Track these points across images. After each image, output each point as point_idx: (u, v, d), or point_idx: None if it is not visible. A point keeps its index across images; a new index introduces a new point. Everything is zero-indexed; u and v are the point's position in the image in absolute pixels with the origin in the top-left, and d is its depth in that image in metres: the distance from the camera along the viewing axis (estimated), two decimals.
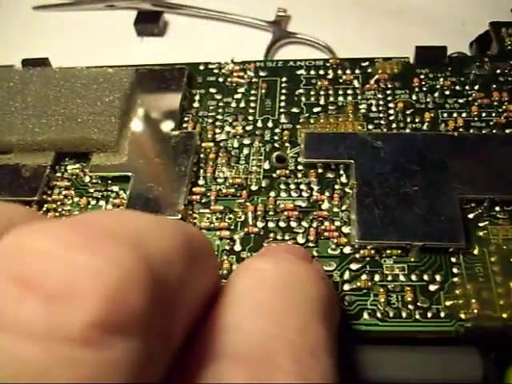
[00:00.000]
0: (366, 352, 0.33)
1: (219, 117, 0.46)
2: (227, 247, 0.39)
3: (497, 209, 0.39)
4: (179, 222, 0.30)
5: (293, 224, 0.39)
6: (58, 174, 0.44)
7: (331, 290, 0.30)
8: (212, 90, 0.48)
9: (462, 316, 0.35)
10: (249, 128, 0.45)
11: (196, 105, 0.47)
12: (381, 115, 0.44)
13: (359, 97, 0.46)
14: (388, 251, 0.37)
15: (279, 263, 0.28)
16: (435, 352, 0.33)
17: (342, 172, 0.41)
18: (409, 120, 0.44)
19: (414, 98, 0.45)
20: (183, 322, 0.20)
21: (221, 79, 0.48)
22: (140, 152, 0.43)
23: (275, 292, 0.25)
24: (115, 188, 0.43)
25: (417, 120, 0.44)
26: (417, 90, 0.46)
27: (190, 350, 0.21)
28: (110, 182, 0.43)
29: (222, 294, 0.25)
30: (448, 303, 0.35)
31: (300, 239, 0.39)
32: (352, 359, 0.33)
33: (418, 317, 0.35)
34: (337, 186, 0.41)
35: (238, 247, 0.39)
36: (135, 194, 0.41)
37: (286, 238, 0.39)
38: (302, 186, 0.41)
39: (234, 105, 0.46)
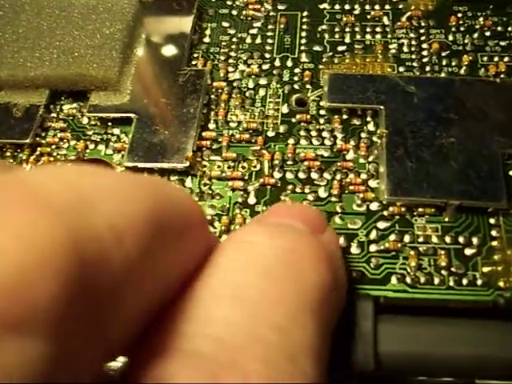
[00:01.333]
0: (394, 322, 0.28)
1: (232, 54, 0.39)
2: (240, 199, 0.33)
3: None
4: (156, 183, 0.23)
5: (314, 175, 0.34)
6: (53, 115, 0.38)
7: (336, 272, 0.24)
8: (225, 24, 0.41)
9: (501, 284, 0.30)
10: (265, 67, 0.38)
11: (207, 40, 0.40)
12: (413, 57, 0.38)
13: (389, 35, 0.39)
14: (420, 209, 0.32)
15: (276, 236, 0.22)
16: (469, 326, 0.28)
17: (369, 119, 0.35)
18: (444, 63, 0.37)
19: (450, 38, 0.39)
20: (134, 311, 0.17)
21: (234, 12, 0.42)
22: (144, 91, 0.37)
23: (261, 275, 0.20)
24: (116, 131, 0.37)
25: (453, 63, 0.37)
26: (454, 29, 0.39)
27: (149, 342, 0.17)
28: (110, 124, 0.37)
29: (201, 272, 0.20)
30: (485, 270, 0.30)
31: (322, 193, 0.33)
32: (377, 329, 0.28)
33: (451, 284, 0.30)
34: (363, 135, 0.35)
35: (252, 200, 0.33)
36: (138, 138, 0.35)
37: (306, 191, 0.33)
38: (325, 134, 0.35)
39: (249, 41, 0.40)
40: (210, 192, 0.34)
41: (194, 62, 0.39)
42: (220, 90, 0.37)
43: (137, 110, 0.36)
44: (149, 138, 0.35)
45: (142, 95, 0.37)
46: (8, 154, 0.37)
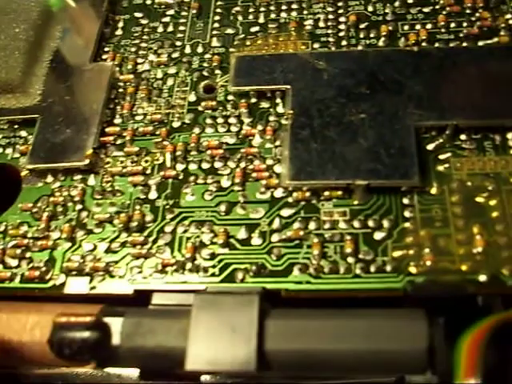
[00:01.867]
0: (293, 318, 0.26)
1: (143, 44, 0.37)
2: (141, 195, 0.31)
3: (462, 137, 0.30)
4: None
5: (217, 164, 0.31)
6: None
7: None
8: (138, 15, 0.39)
9: (413, 270, 0.27)
10: (175, 55, 0.36)
11: (119, 32, 0.38)
12: (329, 31, 0.35)
13: (305, 11, 0.36)
14: (326, 193, 0.29)
15: None
16: (373, 317, 0.25)
17: (278, 100, 0.33)
18: (362, 35, 0.34)
19: (369, 9, 0.36)
20: None
21: (148, 1, 0.39)
22: (53, 91, 0.35)
23: None
24: (23, 133, 0.35)
25: (372, 35, 0.34)
26: None
27: None
28: (17, 126, 0.35)
29: None
30: (396, 254, 0.27)
31: (224, 182, 0.31)
32: (276, 326, 0.25)
33: (358, 271, 0.27)
34: (272, 118, 0.32)
35: (153, 194, 0.31)
36: (41, 139, 0.33)
37: (209, 181, 0.31)
38: (231, 120, 0.33)
39: (160, 30, 0.38)
40: (111, 189, 0.32)
41: (104, 57, 0.37)
42: (128, 83, 0.35)
43: (42, 110, 0.34)
44: (51, 138, 0.33)
45: (51, 95, 0.35)
46: None
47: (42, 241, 0.31)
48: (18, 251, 0.31)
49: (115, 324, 0.26)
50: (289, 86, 0.32)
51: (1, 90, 0.35)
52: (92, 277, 0.29)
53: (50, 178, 0.33)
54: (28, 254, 0.31)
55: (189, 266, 0.28)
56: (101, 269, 0.29)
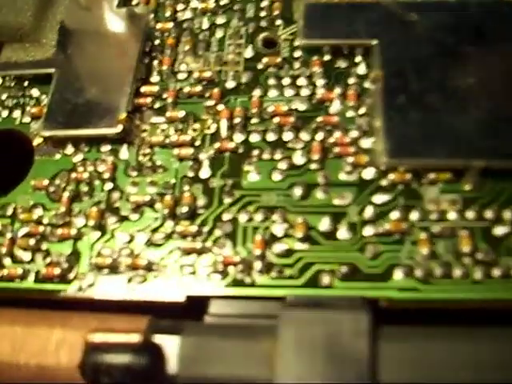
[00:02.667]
0: (411, 340, 0.19)
1: None
2: (190, 173, 0.24)
3: None
4: None
5: (287, 136, 0.24)
6: None
7: None
8: None
9: None
10: (224, 2, 0.28)
11: None
12: None
13: None
14: (432, 176, 0.22)
15: None
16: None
17: (358, 59, 0.25)
18: None
19: None
20: None
21: None
22: (71, 41, 0.27)
23: None
24: (35, 92, 0.27)
25: None
26: None
27: None
28: (27, 83, 0.28)
29: None
30: None
31: (297, 159, 0.23)
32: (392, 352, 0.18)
33: (478, 277, 0.20)
34: (351, 80, 0.25)
35: (205, 172, 0.24)
36: (58, 99, 0.26)
37: (277, 157, 0.24)
38: (301, 81, 0.25)
39: None
40: (151, 164, 0.24)
41: (134, 1, 0.29)
42: (166, 34, 0.28)
43: (59, 64, 0.27)
44: (72, 98, 0.25)
45: (69, 46, 0.27)
46: None
47: (62, 228, 0.23)
48: (32, 241, 0.23)
49: (170, 345, 0.19)
50: (375, 42, 0.25)
51: (8, 37, 0.27)
52: (130, 277, 0.22)
53: (69, 149, 0.25)
54: (44, 246, 0.23)
55: (258, 265, 0.21)
56: (141, 267, 0.22)
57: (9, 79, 0.28)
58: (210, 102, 0.25)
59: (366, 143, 0.23)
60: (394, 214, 0.22)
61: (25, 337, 0.20)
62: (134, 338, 0.19)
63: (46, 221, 0.24)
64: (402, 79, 0.24)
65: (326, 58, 0.26)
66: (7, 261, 0.23)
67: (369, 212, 0.22)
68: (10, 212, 0.24)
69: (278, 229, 0.22)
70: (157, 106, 0.25)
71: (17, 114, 0.27)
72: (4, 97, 0.27)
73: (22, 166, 0.26)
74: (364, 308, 0.19)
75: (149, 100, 0.25)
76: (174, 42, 0.27)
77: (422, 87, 0.23)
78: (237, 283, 0.21)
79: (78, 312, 0.21)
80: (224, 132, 0.24)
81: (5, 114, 0.27)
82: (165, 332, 0.19)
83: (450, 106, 0.23)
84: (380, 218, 0.22)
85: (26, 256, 0.23)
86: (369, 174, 0.23)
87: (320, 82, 0.25)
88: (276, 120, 0.24)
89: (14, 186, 0.25)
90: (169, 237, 0.22)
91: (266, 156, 0.24)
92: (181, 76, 0.26)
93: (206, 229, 0.22)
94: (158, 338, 0.19)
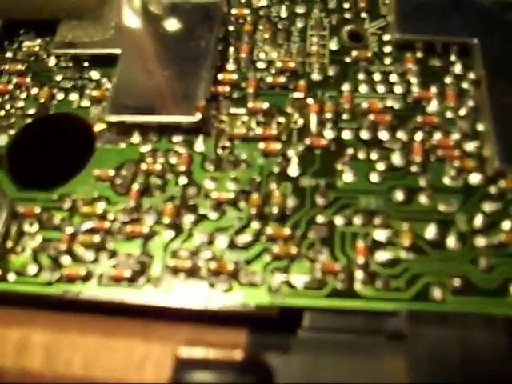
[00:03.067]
0: None
1: None
2: (276, 169, 0.22)
3: None
4: None
5: (383, 135, 0.22)
6: (8, 54, 0.26)
7: None
8: None
9: None
10: None
11: None
12: None
13: None
14: None
15: None
16: None
17: (453, 58, 0.24)
18: None
19: None
20: None
21: None
22: (134, 21, 0.25)
23: None
24: (95, 75, 0.25)
25: None
26: None
27: None
28: (86, 64, 0.25)
29: None
30: None
31: (396, 160, 0.21)
32: None
33: None
34: (448, 80, 0.23)
35: (294, 170, 0.22)
36: (125, 82, 0.23)
37: (374, 157, 0.21)
38: (393, 77, 0.23)
39: None
40: (232, 159, 0.22)
41: None
42: (242, 20, 0.25)
43: (124, 45, 0.24)
44: (141, 81, 0.23)
45: (132, 26, 0.25)
46: None
47: (131, 225, 0.21)
48: (96, 238, 0.20)
49: (277, 363, 0.16)
50: (476, 41, 0.23)
51: (68, 14, 0.25)
52: (212, 284, 0.19)
53: (136, 138, 0.23)
54: (111, 245, 0.21)
55: (359, 275, 0.19)
56: (225, 272, 0.19)
57: (64, 59, 0.25)
58: (298, 95, 0.23)
59: (469, 147, 0.21)
60: (506, 224, 0.20)
61: (100, 349, 0.17)
62: (237, 355, 0.16)
63: (111, 216, 0.21)
64: (509, 81, 0.22)
65: (419, 55, 0.24)
66: (66, 259, 0.21)
67: (478, 221, 0.20)
68: (67, 204, 0.22)
69: (381, 235, 0.20)
70: (236, 95, 0.23)
71: (74, 96, 0.24)
72: (59, 78, 0.25)
73: (80, 153, 0.23)
74: (499, 324, 0.17)
75: (227, 89, 0.23)
76: (252, 29, 0.25)
77: None
78: (337, 294, 0.19)
79: (161, 321, 0.18)
80: (314, 127, 0.22)
81: (60, 96, 0.24)
82: (270, 348, 0.16)
83: None
84: (491, 228, 0.20)
85: (88, 255, 0.20)
86: (475, 179, 0.21)
87: (414, 80, 0.23)
88: (371, 117, 0.22)
89: (72, 176, 0.22)
90: (256, 239, 0.20)
91: (361, 155, 0.21)
92: (260, 65, 0.24)
93: (298, 232, 0.20)
94: (263, 355, 0.16)
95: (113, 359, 0.17)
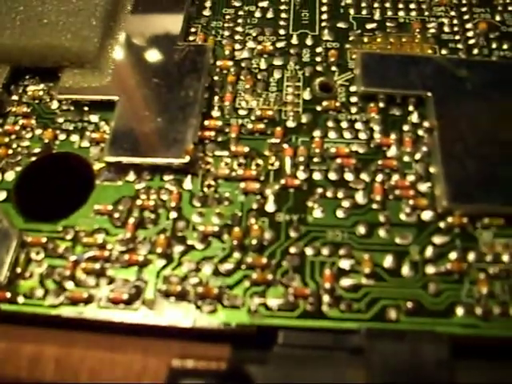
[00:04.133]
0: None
1: (239, 29, 0.31)
2: (255, 205, 0.25)
3: None
4: None
5: (348, 176, 0.25)
6: (14, 97, 0.29)
7: None
8: None
9: None
10: (280, 45, 0.30)
11: (207, 13, 0.32)
12: (457, 37, 0.30)
13: (426, 13, 0.31)
14: (486, 220, 0.24)
15: None
16: None
17: (411, 108, 0.27)
18: (495, 46, 0.30)
19: (497, 18, 0.31)
20: None
21: None
22: (129, 70, 0.28)
23: None
24: (94, 118, 0.28)
25: (505, 47, 0.30)
26: (500, 8, 0.32)
27: None
28: (86, 109, 0.28)
29: None
30: None
31: (360, 198, 0.25)
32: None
33: None
34: (406, 127, 0.27)
35: (271, 206, 0.25)
36: (122, 126, 0.26)
37: (340, 195, 0.25)
38: (358, 125, 0.27)
39: (258, 15, 0.31)
40: (217, 196, 0.25)
41: (191, 38, 0.30)
42: (225, 71, 0.29)
43: (121, 91, 0.27)
44: (137, 126, 0.26)
45: (127, 75, 0.28)
46: None
47: (128, 254, 0.24)
48: (97, 266, 0.23)
49: (256, 374, 0.19)
50: (429, 93, 0.27)
51: (70, 62, 0.28)
52: (198, 306, 0.22)
53: (131, 176, 0.26)
54: (109, 271, 0.23)
55: (326, 298, 0.22)
56: (211, 296, 0.23)
57: (66, 103, 0.28)
58: (275, 140, 0.26)
59: (422, 187, 0.25)
60: (453, 255, 0.23)
61: (104, 362, 0.20)
62: (222, 366, 0.19)
63: (109, 246, 0.24)
64: (457, 130, 0.26)
65: (381, 105, 0.27)
66: (69, 284, 0.23)
67: (429, 251, 0.23)
68: (70, 235, 0.25)
69: (345, 264, 0.23)
70: (220, 139, 0.27)
71: (75, 137, 0.27)
72: (61, 120, 0.28)
73: (80, 189, 0.26)
74: (443, 341, 0.20)
75: (212, 133, 0.27)
76: (234, 80, 0.28)
77: (477, 139, 0.25)
78: (307, 315, 0.22)
79: (156, 338, 0.21)
80: (288, 169, 0.25)
81: (62, 137, 0.27)
82: (250, 361, 0.19)
83: (502, 157, 0.25)
84: (439, 258, 0.23)
85: (90, 281, 0.23)
86: (427, 216, 0.24)
87: (377, 127, 0.27)
88: (338, 161, 0.26)
89: (73, 210, 0.25)
90: (237, 267, 0.23)
91: (329, 194, 0.25)
92: (242, 112, 0.27)
93: (273, 261, 0.23)
94: (244, 366, 0.19)
95: (115, 371, 0.19)
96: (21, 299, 0.23)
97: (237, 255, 0.23)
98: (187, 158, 0.25)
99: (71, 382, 0.20)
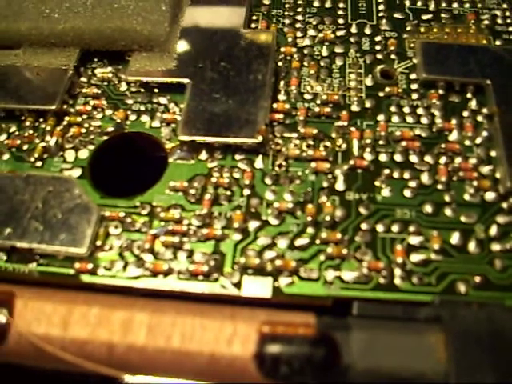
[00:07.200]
0: None
1: (299, 17, 0.32)
2: (325, 184, 0.26)
3: None
4: None
5: (413, 159, 0.27)
6: (83, 79, 0.30)
7: None
8: None
9: None
10: (340, 33, 0.31)
11: (267, 1, 0.33)
12: (510, 29, 0.32)
13: (479, 5, 0.33)
14: None
15: None
16: None
17: (469, 95, 0.29)
18: None
19: None
20: None
21: None
22: (196, 54, 0.30)
23: None
24: (163, 100, 0.29)
25: None
26: None
27: None
28: (156, 90, 0.29)
29: None
30: None
31: (425, 179, 0.26)
32: None
33: None
34: (466, 113, 0.28)
35: (340, 185, 0.26)
36: (194, 107, 0.28)
37: (406, 176, 0.26)
38: (420, 111, 0.28)
39: (316, 4, 0.33)
40: (288, 175, 0.26)
41: (253, 26, 0.32)
42: (289, 57, 0.30)
43: (190, 74, 0.29)
44: (208, 107, 0.27)
45: (194, 58, 0.29)
46: (27, 123, 0.29)
47: (204, 229, 0.25)
48: (176, 239, 0.25)
49: (342, 339, 0.21)
50: (489, 81, 0.28)
51: (140, 46, 0.29)
52: (276, 278, 0.24)
53: (204, 155, 0.27)
54: (187, 245, 0.25)
55: (398, 272, 0.24)
56: (288, 269, 0.24)
57: (135, 85, 0.29)
58: (342, 123, 0.28)
59: (484, 170, 0.26)
60: None
61: (195, 327, 0.21)
62: (310, 331, 0.20)
63: (185, 221, 0.25)
64: None
65: (440, 92, 0.29)
66: (149, 257, 0.25)
67: (494, 230, 0.25)
68: (146, 210, 0.26)
69: (415, 240, 0.25)
70: (287, 121, 0.28)
71: (145, 118, 0.29)
72: (130, 102, 0.29)
73: (150, 168, 0.27)
74: None
75: (281, 116, 0.28)
76: (299, 66, 0.30)
77: None
78: (380, 288, 0.23)
79: (244, 306, 0.22)
80: (356, 151, 0.27)
81: (133, 117, 0.29)
82: (335, 327, 0.21)
83: None
84: (504, 236, 0.25)
85: (167, 254, 0.25)
86: (490, 196, 0.26)
87: (437, 113, 0.28)
88: (403, 143, 0.27)
89: (147, 187, 0.27)
90: (312, 242, 0.25)
91: (395, 175, 0.26)
92: (307, 96, 0.29)
93: (346, 237, 0.25)
94: (331, 332, 0.21)
95: (206, 335, 0.21)
96: (101, 271, 0.25)
97: (310, 231, 0.25)
98: (260, 138, 0.26)
99: (163, 346, 0.21)
